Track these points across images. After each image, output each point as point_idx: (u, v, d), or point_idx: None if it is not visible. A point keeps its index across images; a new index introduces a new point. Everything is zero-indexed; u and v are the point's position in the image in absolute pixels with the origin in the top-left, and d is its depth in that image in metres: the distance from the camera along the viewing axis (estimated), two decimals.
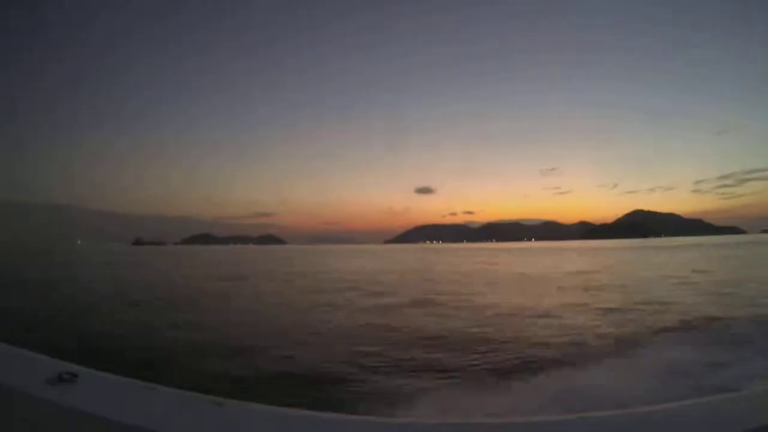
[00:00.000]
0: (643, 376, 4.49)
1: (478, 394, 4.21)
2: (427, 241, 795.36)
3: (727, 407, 1.17)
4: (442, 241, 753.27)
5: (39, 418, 1.06)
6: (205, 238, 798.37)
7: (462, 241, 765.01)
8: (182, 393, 1.17)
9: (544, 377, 4.61)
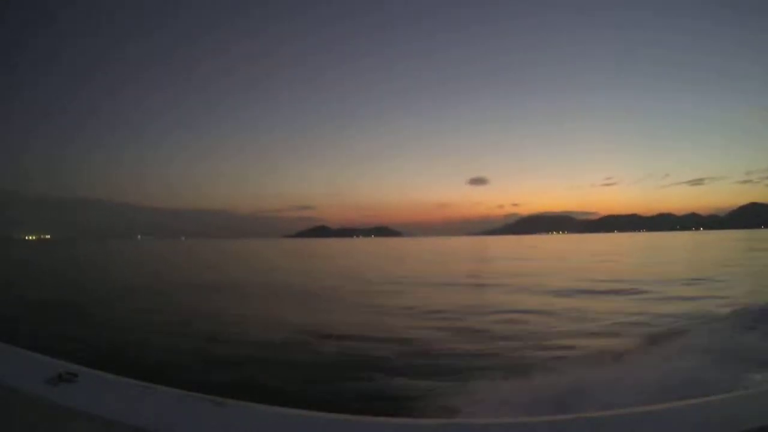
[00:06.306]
0: None
1: None
2: (552, 232, 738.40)
3: (727, 407, 1.15)
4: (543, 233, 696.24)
5: (39, 418, 1.08)
6: (323, 231, 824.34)
7: (564, 232, 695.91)
8: (182, 393, 1.17)
9: None
